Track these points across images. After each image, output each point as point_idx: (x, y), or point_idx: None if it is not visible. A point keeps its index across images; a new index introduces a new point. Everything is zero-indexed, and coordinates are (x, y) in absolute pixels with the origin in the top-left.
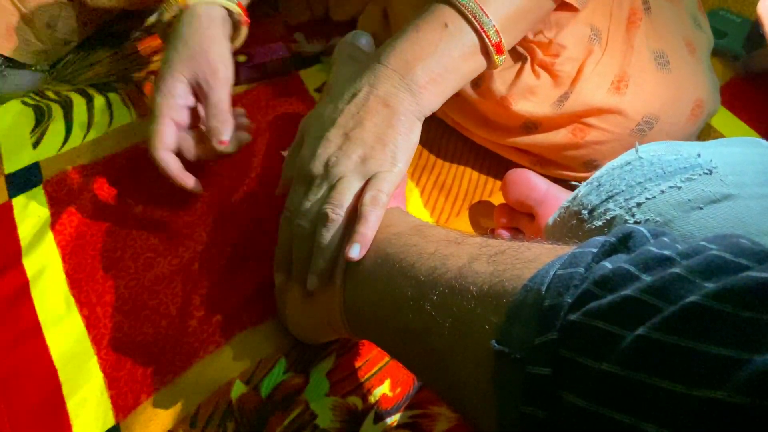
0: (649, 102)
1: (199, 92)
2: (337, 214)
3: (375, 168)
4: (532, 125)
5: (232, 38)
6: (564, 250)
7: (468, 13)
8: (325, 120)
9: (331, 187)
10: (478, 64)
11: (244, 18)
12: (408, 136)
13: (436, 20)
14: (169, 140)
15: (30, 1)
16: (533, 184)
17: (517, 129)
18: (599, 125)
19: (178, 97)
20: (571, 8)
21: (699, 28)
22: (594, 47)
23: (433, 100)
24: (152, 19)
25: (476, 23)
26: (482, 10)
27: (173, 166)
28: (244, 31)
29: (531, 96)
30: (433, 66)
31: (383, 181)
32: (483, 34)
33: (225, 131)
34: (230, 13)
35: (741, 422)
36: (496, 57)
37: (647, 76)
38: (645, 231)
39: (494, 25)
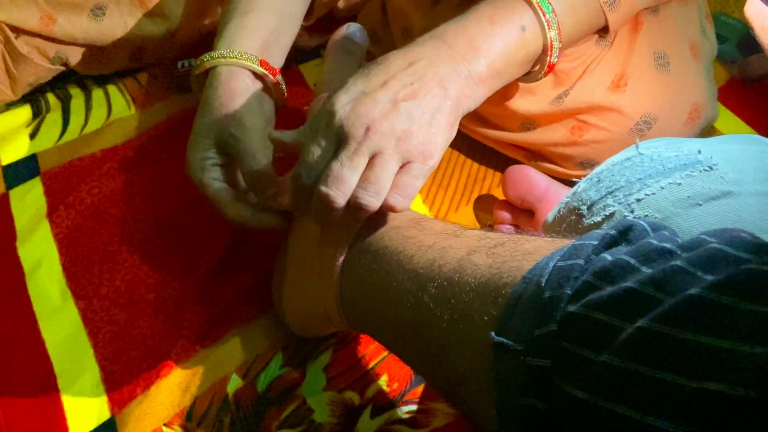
0: (648, 101)
1: (229, 148)
2: (375, 205)
3: (415, 151)
4: (530, 125)
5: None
6: (564, 242)
7: (546, 25)
8: (371, 78)
9: (368, 165)
10: (524, 71)
11: (270, 77)
12: (451, 128)
13: (515, 19)
14: (224, 193)
15: (20, 62)
16: (533, 181)
17: (514, 128)
18: (598, 123)
19: (208, 159)
20: (602, 33)
21: (704, 35)
22: (603, 46)
23: (482, 96)
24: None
25: (549, 39)
26: (559, 28)
27: (248, 215)
28: (278, 89)
29: (529, 95)
30: (498, 64)
31: (416, 178)
32: (549, 51)
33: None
34: (255, 73)
35: (741, 414)
36: (542, 74)
37: (646, 76)
38: (645, 224)
39: (559, 47)
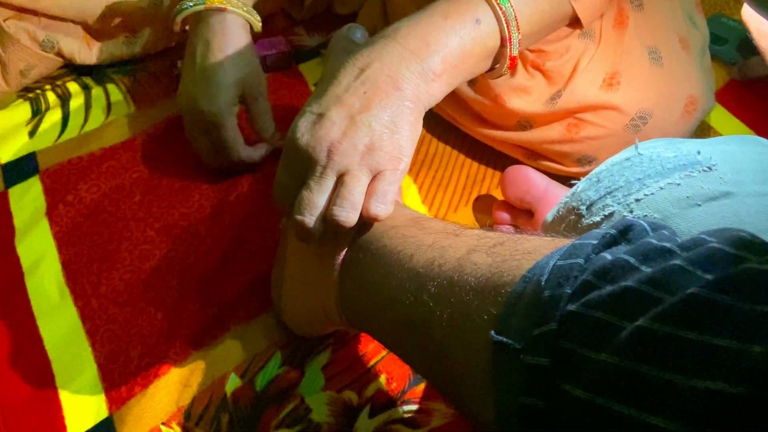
0: (643, 97)
1: (249, 98)
2: (352, 219)
3: (382, 161)
4: (526, 123)
5: None
6: (563, 242)
7: (503, 18)
8: (325, 95)
9: (338, 182)
10: (486, 67)
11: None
12: (415, 126)
13: (469, 12)
14: (240, 138)
15: (8, 44)
16: (532, 182)
17: (511, 126)
18: (594, 120)
19: (234, 105)
20: (576, 26)
21: (694, 26)
22: (588, 44)
23: (441, 92)
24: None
25: (507, 31)
26: (516, 21)
27: (256, 155)
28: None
29: (524, 95)
30: (451, 58)
31: (390, 184)
32: (508, 44)
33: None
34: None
35: (741, 413)
36: (505, 69)
37: (640, 72)
38: (645, 224)
39: (519, 39)
